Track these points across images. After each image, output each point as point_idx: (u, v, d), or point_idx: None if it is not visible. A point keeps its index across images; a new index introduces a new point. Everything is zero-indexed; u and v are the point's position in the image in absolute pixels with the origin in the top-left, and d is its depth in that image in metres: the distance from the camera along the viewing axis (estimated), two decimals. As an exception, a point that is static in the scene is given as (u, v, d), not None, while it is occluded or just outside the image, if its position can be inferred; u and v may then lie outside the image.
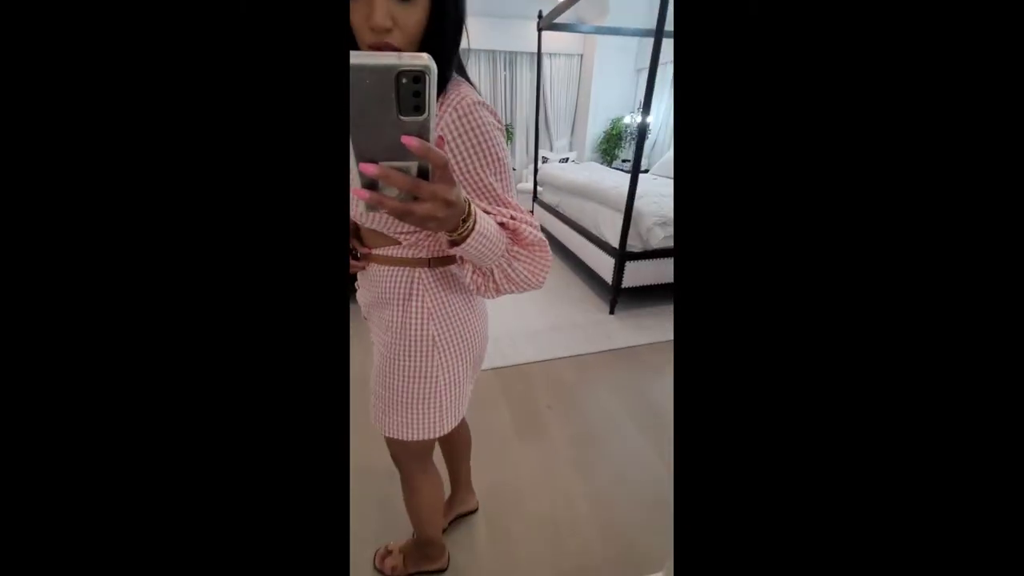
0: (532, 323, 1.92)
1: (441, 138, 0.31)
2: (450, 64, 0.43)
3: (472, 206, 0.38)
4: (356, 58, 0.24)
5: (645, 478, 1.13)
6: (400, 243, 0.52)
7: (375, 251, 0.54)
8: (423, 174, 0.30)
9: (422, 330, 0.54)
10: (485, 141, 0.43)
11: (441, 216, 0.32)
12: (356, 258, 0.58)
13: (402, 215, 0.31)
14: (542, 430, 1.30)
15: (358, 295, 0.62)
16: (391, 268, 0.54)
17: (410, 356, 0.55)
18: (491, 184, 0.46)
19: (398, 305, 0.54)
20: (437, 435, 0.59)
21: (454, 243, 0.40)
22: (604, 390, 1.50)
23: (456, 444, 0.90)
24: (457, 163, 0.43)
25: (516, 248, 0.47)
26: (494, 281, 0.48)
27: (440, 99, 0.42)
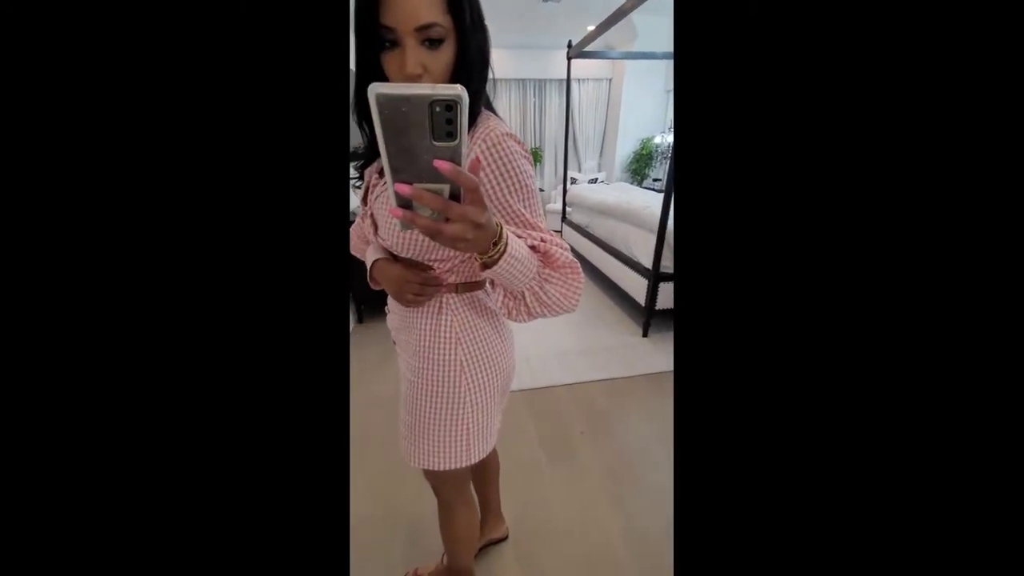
0: (563, 345, 1.90)
1: (476, 160, 0.32)
2: (478, 100, 0.46)
3: (504, 230, 0.39)
4: (394, 88, 0.27)
5: (686, 515, 1.05)
6: (433, 269, 0.53)
7: None
8: (455, 197, 0.32)
9: (451, 354, 0.55)
10: (512, 170, 0.46)
11: (470, 237, 0.33)
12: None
13: (433, 234, 0.33)
14: (574, 457, 1.26)
15: (388, 320, 0.63)
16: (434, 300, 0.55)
17: (437, 381, 0.56)
18: (519, 210, 0.47)
19: (426, 329, 0.55)
20: (464, 464, 0.58)
21: (485, 265, 0.41)
22: (638, 417, 1.44)
23: (485, 469, 0.89)
24: (487, 191, 0.45)
25: (547, 271, 0.47)
26: (526, 304, 0.49)
27: (471, 132, 0.45)
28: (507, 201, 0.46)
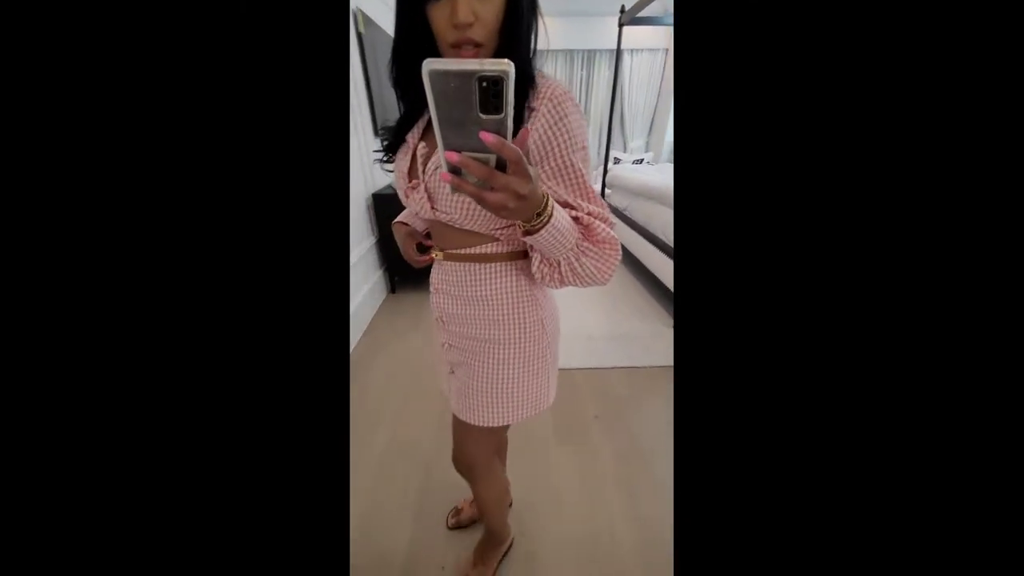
0: (589, 328, 1.87)
1: (526, 130, 0.33)
2: (530, 53, 0.46)
3: (550, 201, 0.41)
4: (445, 64, 0.28)
5: (694, 510, 1.03)
6: (498, 239, 0.55)
7: (469, 250, 0.56)
8: (501, 166, 0.33)
9: (534, 315, 0.59)
10: (575, 129, 0.47)
11: (512, 207, 0.35)
12: (424, 253, 0.66)
13: (477, 200, 0.34)
14: (585, 439, 1.27)
15: (436, 300, 0.63)
16: (495, 264, 0.56)
17: (523, 341, 0.59)
18: (580, 169, 0.48)
19: (508, 298, 0.57)
20: (545, 407, 0.65)
21: (527, 232, 0.43)
22: (656, 407, 1.41)
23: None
24: (551, 149, 0.46)
25: (586, 244, 0.48)
26: (559, 272, 0.50)
27: (533, 92, 0.46)
28: (570, 159, 0.47)
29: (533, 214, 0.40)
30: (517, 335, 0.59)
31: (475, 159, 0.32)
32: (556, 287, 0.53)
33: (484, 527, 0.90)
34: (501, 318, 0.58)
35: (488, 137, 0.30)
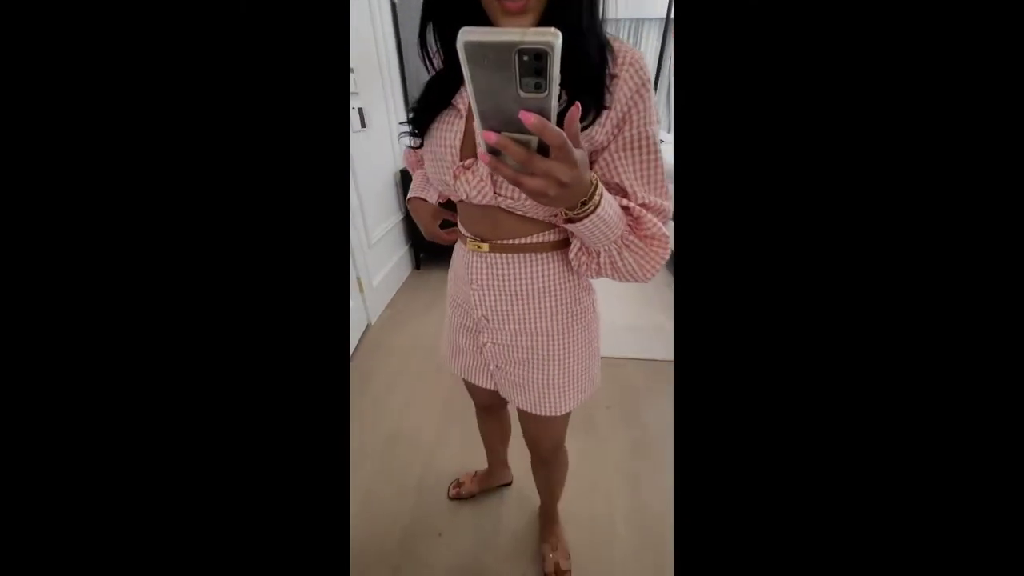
0: (611, 316, 1.82)
1: (576, 108, 0.29)
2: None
3: (598, 189, 0.37)
4: (481, 35, 0.25)
5: (700, 509, 1.01)
6: (556, 226, 0.51)
7: (524, 240, 0.51)
8: (544, 149, 0.30)
9: (586, 302, 0.57)
10: (651, 96, 0.43)
11: (552, 194, 0.31)
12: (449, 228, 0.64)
13: (515, 184, 0.32)
14: (594, 429, 1.26)
15: (480, 298, 0.56)
16: (550, 253, 0.52)
17: (580, 328, 0.58)
18: (655, 143, 0.44)
19: (566, 287, 0.54)
20: (596, 388, 0.66)
21: (569, 220, 0.40)
22: (671, 401, 1.36)
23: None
24: (630, 117, 0.42)
25: (632, 237, 0.45)
26: (597, 263, 0.47)
27: (612, 58, 0.41)
28: (648, 130, 0.43)
29: (577, 202, 0.36)
30: (574, 323, 0.57)
31: (515, 140, 0.29)
32: (592, 277, 0.51)
33: (547, 507, 0.92)
34: (559, 308, 0.55)
35: (528, 118, 0.27)
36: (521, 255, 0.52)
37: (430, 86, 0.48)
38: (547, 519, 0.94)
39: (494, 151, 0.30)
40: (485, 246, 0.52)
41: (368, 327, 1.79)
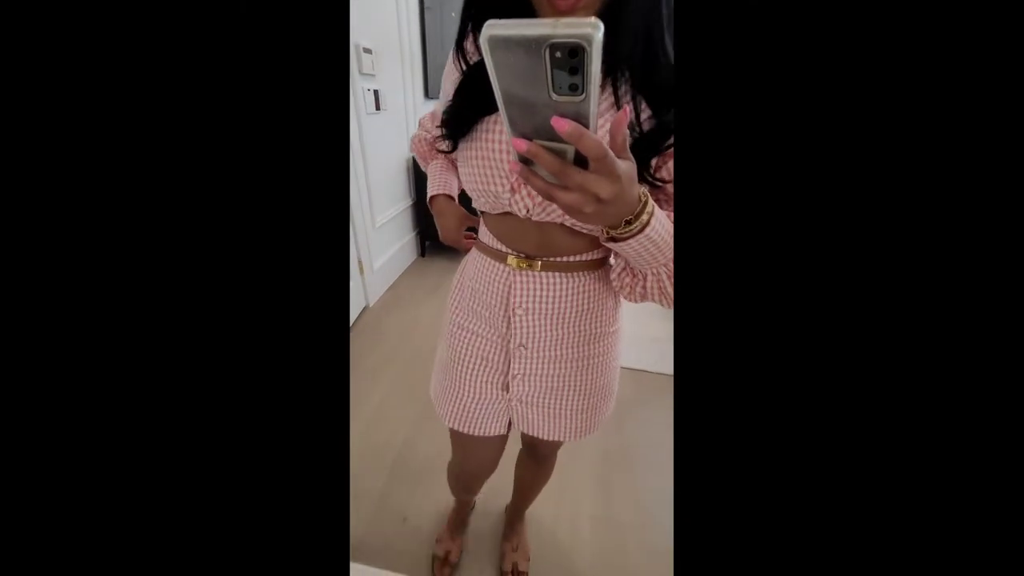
0: (605, 322, 1.80)
1: (624, 112, 0.26)
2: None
3: (648, 205, 0.33)
4: (507, 28, 0.21)
5: (665, 519, 1.00)
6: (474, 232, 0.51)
7: (578, 257, 0.47)
8: (582, 159, 0.26)
9: (617, 323, 0.54)
10: None
11: (588, 211, 0.28)
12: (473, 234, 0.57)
13: (546, 197, 0.28)
14: (573, 433, 1.25)
15: (524, 325, 0.50)
16: (599, 271, 0.49)
17: (611, 346, 0.54)
18: None
19: (611, 307, 0.51)
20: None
21: (612, 239, 0.35)
22: (658, 415, 1.34)
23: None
24: None
25: None
26: (643, 286, 0.42)
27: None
28: None
29: (621, 220, 0.32)
30: (610, 342, 0.54)
31: (548, 148, 0.26)
32: (636, 301, 0.45)
33: (520, 506, 0.91)
34: (602, 331, 0.51)
35: (562, 125, 0.23)
36: (572, 274, 0.47)
37: (469, 83, 0.42)
38: (513, 518, 0.94)
39: (526, 160, 0.27)
40: (537, 264, 0.46)
41: (365, 309, 1.81)
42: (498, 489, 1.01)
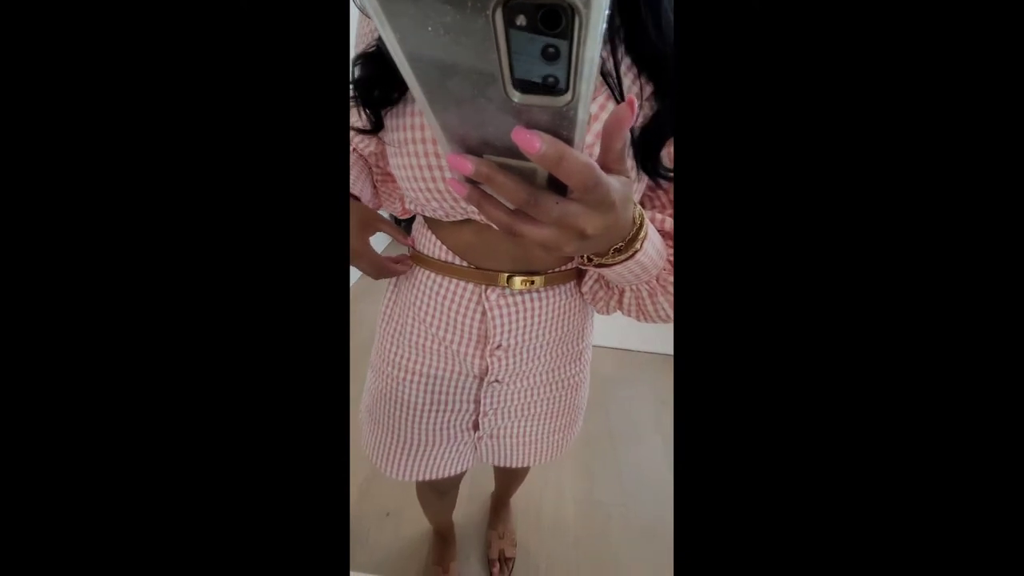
0: (588, 302, 1.79)
1: (631, 101, 0.17)
2: None
3: (644, 227, 0.26)
4: None
5: (649, 499, 1.02)
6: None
7: (555, 270, 0.39)
8: (558, 183, 0.18)
9: (591, 337, 0.49)
10: None
11: (568, 249, 0.20)
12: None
13: (508, 232, 0.20)
14: (557, 416, 1.25)
15: (500, 360, 0.41)
16: (571, 284, 0.41)
17: (583, 372, 0.50)
18: None
19: (581, 321, 0.45)
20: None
21: (596, 265, 0.29)
22: (641, 394, 1.36)
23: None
24: None
25: (672, 277, 0.33)
26: (618, 301, 0.38)
27: None
28: None
29: (608, 249, 0.26)
30: (586, 359, 0.49)
31: (506, 168, 0.17)
32: (604, 314, 0.41)
33: (503, 497, 0.91)
34: (580, 349, 0.47)
35: (529, 144, 0.15)
36: (551, 290, 0.39)
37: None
38: (499, 506, 0.94)
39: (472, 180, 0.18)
40: (514, 282, 0.36)
41: (339, 294, 1.73)
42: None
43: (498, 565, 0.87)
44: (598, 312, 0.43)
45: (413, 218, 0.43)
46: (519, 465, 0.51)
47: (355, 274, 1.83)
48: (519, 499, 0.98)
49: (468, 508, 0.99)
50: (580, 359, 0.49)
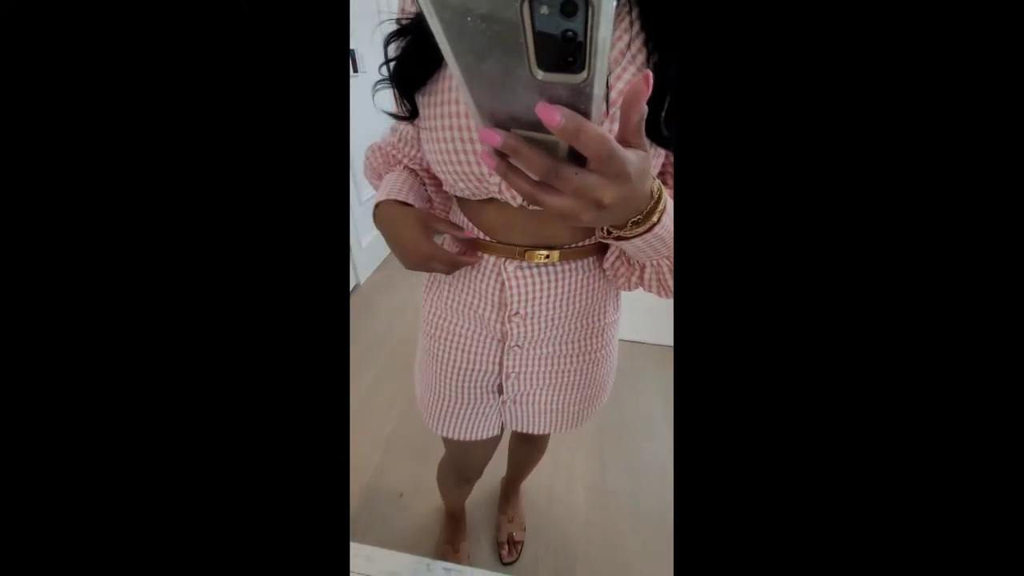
0: (601, 294, 1.77)
1: (647, 77, 0.19)
2: None
3: (663, 200, 0.27)
4: None
5: (658, 489, 1.02)
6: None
7: (587, 242, 0.41)
8: (579, 155, 0.19)
9: (617, 314, 0.50)
10: None
11: (586, 219, 0.22)
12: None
13: (531, 201, 0.22)
14: (568, 406, 1.26)
15: (523, 327, 0.44)
16: (595, 258, 0.43)
17: (608, 346, 0.50)
18: None
19: (604, 297, 0.46)
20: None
21: (616, 237, 0.30)
22: (653, 387, 1.35)
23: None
24: None
25: None
26: (640, 277, 0.39)
27: None
28: None
29: (627, 222, 0.27)
30: (612, 334, 0.50)
31: (531, 141, 0.19)
32: (627, 290, 0.42)
33: (514, 481, 0.92)
34: (605, 323, 0.47)
35: (551, 117, 0.17)
36: (572, 264, 0.41)
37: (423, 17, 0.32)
38: (509, 490, 0.95)
39: (502, 151, 0.20)
40: (533, 257, 0.39)
41: (356, 287, 1.78)
42: (493, 461, 1.02)
43: (507, 547, 0.89)
44: (620, 288, 0.44)
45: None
46: (540, 431, 0.54)
47: (370, 267, 1.88)
48: (529, 484, 0.99)
49: (479, 492, 1.01)
50: (603, 335, 0.49)
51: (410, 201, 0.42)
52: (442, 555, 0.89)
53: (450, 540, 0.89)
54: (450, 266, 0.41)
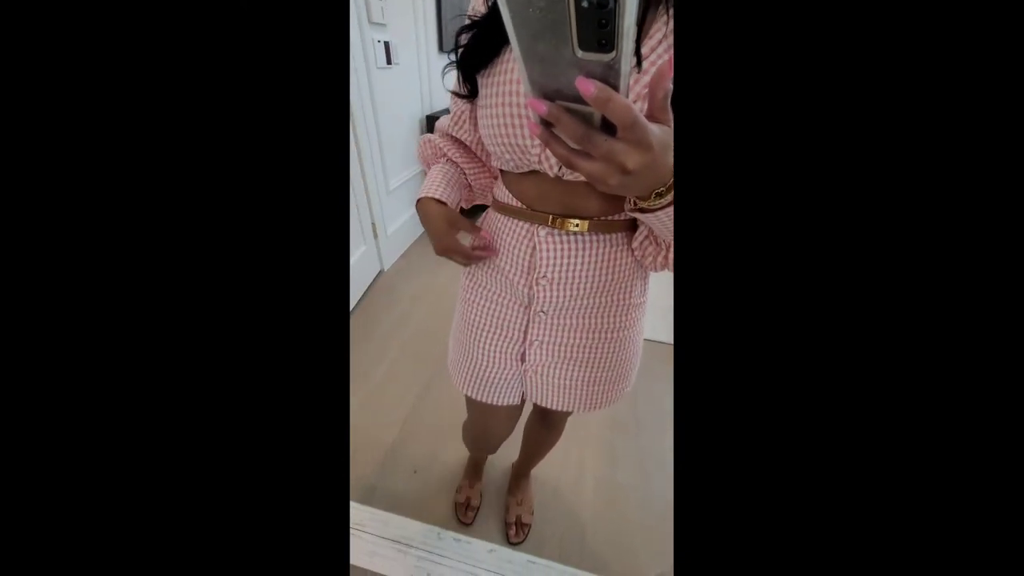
0: (619, 292, 1.77)
1: (668, 64, 0.23)
2: None
3: None
4: None
5: (668, 485, 1.02)
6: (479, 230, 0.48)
7: (606, 219, 0.43)
8: (610, 126, 0.24)
9: (644, 296, 0.52)
10: None
11: (613, 183, 0.26)
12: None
13: (567, 164, 0.26)
14: (581, 399, 1.27)
15: (550, 293, 0.47)
16: (620, 234, 0.45)
17: (632, 327, 0.52)
18: None
19: (632, 276, 0.48)
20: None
21: (640, 209, 0.33)
22: (667, 386, 1.34)
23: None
24: None
25: None
26: (666, 257, 0.41)
27: None
28: None
29: (651, 191, 0.30)
30: (637, 316, 0.51)
31: (571, 111, 0.23)
32: (655, 271, 0.44)
33: (526, 466, 0.95)
34: (631, 303, 0.49)
35: (587, 88, 0.21)
36: (602, 237, 0.44)
37: (490, 15, 0.38)
38: (519, 476, 0.98)
39: (547, 122, 0.25)
40: (566, 225, 0.43)
41: (380, 273, 1.83)
42: (505, 445, 1.05)
43: (515, 528, 0.92)
44: (648, 268, 0.46)
45: (474, 209, 0.59)
46: (557, 407, 0.56)
47: (395, 254, 1.94)
48: (539, 472, 1.01)
49: (489, 474, 1.04)
50: (628, 315, 0.51)
51: (444, 198, 0.50)
52: (458, 488, 0.98)
53: (467, 476, 0.99)
54: (466, 258, 0.49)
